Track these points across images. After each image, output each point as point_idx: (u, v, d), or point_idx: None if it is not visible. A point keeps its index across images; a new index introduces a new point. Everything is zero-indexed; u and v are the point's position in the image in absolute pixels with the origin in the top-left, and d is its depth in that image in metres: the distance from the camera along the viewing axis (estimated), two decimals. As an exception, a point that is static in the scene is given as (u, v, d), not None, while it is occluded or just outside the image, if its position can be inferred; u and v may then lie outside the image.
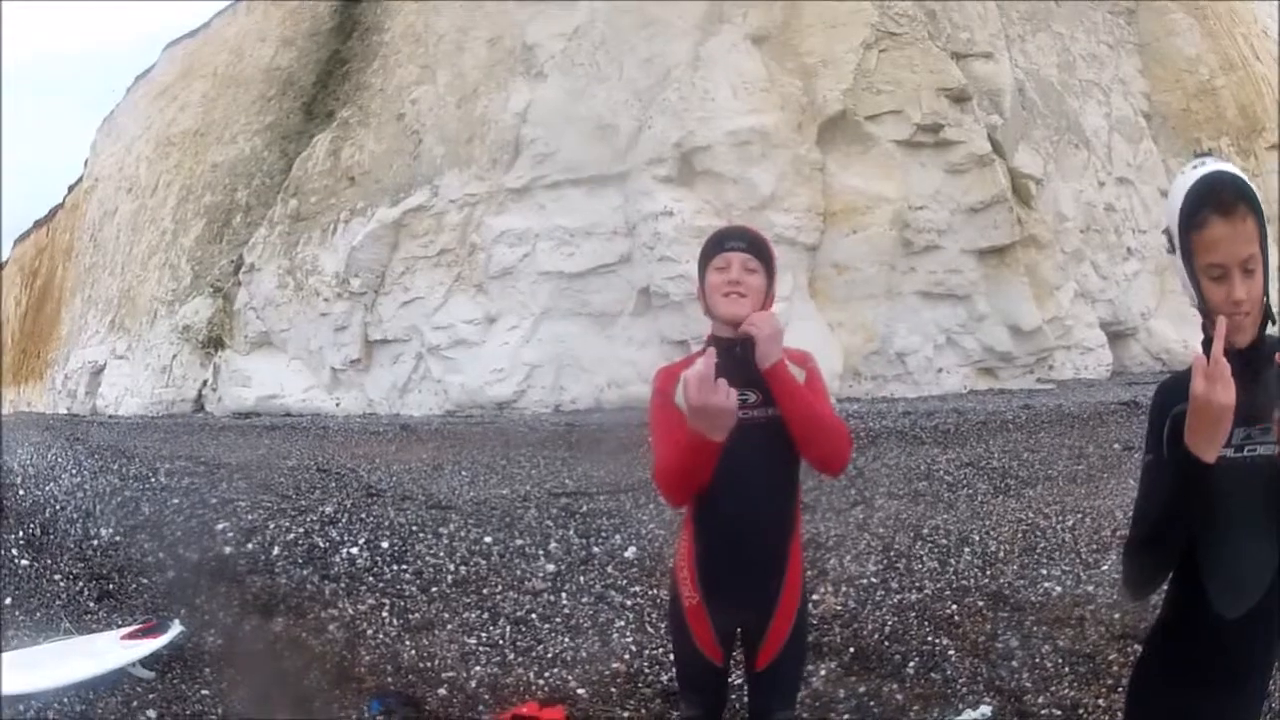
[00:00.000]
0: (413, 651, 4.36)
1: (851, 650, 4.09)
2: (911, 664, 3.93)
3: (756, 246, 2.43)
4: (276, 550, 6.17)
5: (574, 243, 17.31)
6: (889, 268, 16.48)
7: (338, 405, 19.88)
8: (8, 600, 5.26)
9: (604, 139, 17.28)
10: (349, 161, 21.67)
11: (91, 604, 5.27)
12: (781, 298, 13.94)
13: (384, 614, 4.90)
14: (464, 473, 9.66)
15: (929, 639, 4.18)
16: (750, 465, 2.27)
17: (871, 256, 16.43)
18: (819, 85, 16.89)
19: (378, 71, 23.29)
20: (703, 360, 2.08)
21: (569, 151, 17.44)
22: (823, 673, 3.87)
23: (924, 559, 5.35)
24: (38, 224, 44.01)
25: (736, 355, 2.16)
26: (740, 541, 2.36)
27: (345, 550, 6.09)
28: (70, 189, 39.28)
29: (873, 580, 5.03)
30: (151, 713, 3.81)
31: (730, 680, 2.52)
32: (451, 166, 19.69)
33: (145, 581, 5.66)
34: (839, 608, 4.61)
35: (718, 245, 2.43)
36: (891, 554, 5.47)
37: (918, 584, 4.93)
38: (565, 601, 5.00)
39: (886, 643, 4.16)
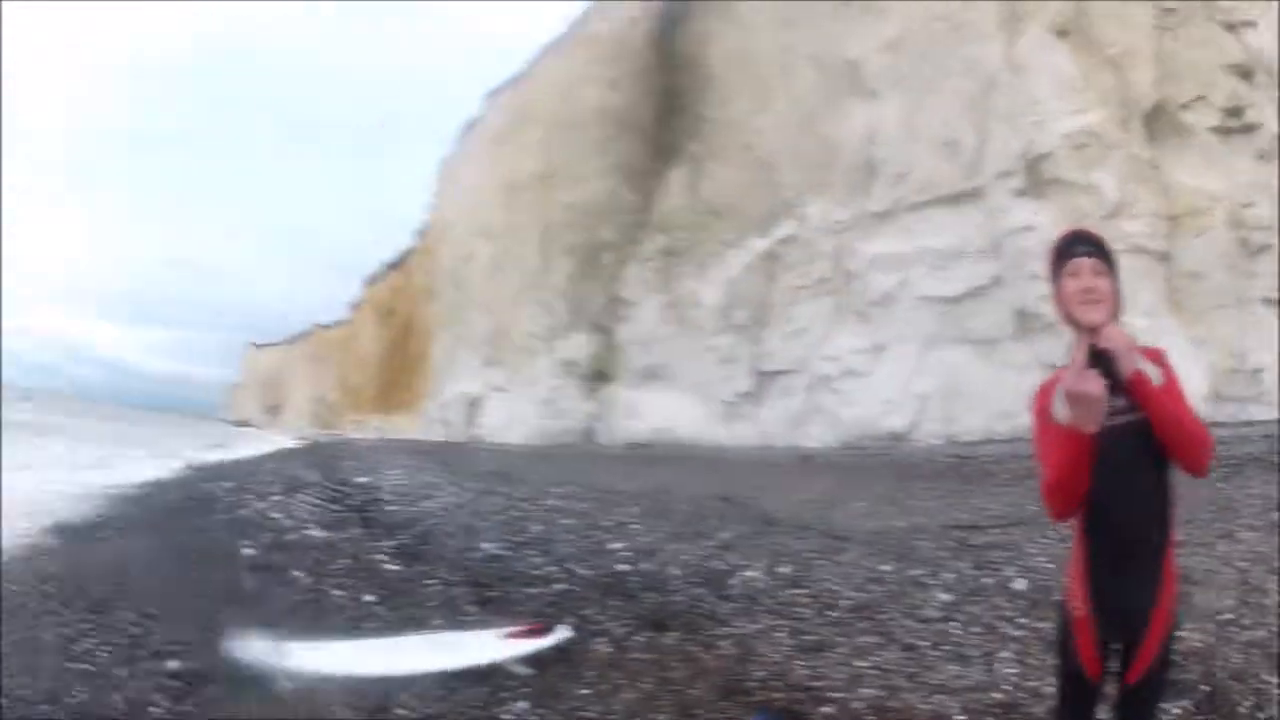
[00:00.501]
0: (804, 670, 4.47)
1: (1205, 689, 3.97)
2: (1246, 704, 3.83)
3: (1102, 250, 2.46)
4: (673, 570, 6.52)
5: (946, 265, 17.09)
6: (1235, 273, 15.18)
7: (730, 437, 20.85)
8: (370, 597, 5.74)
9: (951, 154, 17.08)
10: (709, 195, 22.66)
11: (470, 608, 5.62)
12: (1143, 312, 13.02)
13: (778, 634, 5.03)
14: (860, 504, 9.87)
15: (1264, 678, 4.04)
16: (1129, 469, 2.33)
17: (1217, 262, 15.16)
18: (1131, 78, 15.99)
19: (712, 103, 24.11)
20: (1076, 351, 2.25)
21: (921, 170, 17.34)
22: (1176, 711, 3.76)
23: (1275, 594, 5.11)
24: (390, 266, 49.89)
25: (1102, 359, 2.22)
26: (1127, 548, 2.40)
27: (743, 573, 6.34)
28: (420, 234, 44.22)
29: (1229, 615, 4.82)
30: (523, 704, 4.04)
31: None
32: (811, 193, 20.05)
33: (531, 591, 6.03)
34: (1198, 644, 4.44)
35: (1067, 252, 2.46)
36: (1246, 588, 5.27)
37: (1266, 621, 4.70)
38: (955, 630, 5.03)
39: (1232, 681, 4.04)
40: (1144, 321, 13.21)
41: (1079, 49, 16.32)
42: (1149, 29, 15.85)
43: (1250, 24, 15.79)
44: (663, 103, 25.78)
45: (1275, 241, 14.87)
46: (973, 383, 16.61)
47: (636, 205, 25.51)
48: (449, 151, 40.31)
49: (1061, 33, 16.42)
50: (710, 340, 21.53)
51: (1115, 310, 2.44)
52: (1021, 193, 16.33)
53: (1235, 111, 15.40)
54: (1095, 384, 2.13)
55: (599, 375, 24.97)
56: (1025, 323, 15.97)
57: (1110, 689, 2.63)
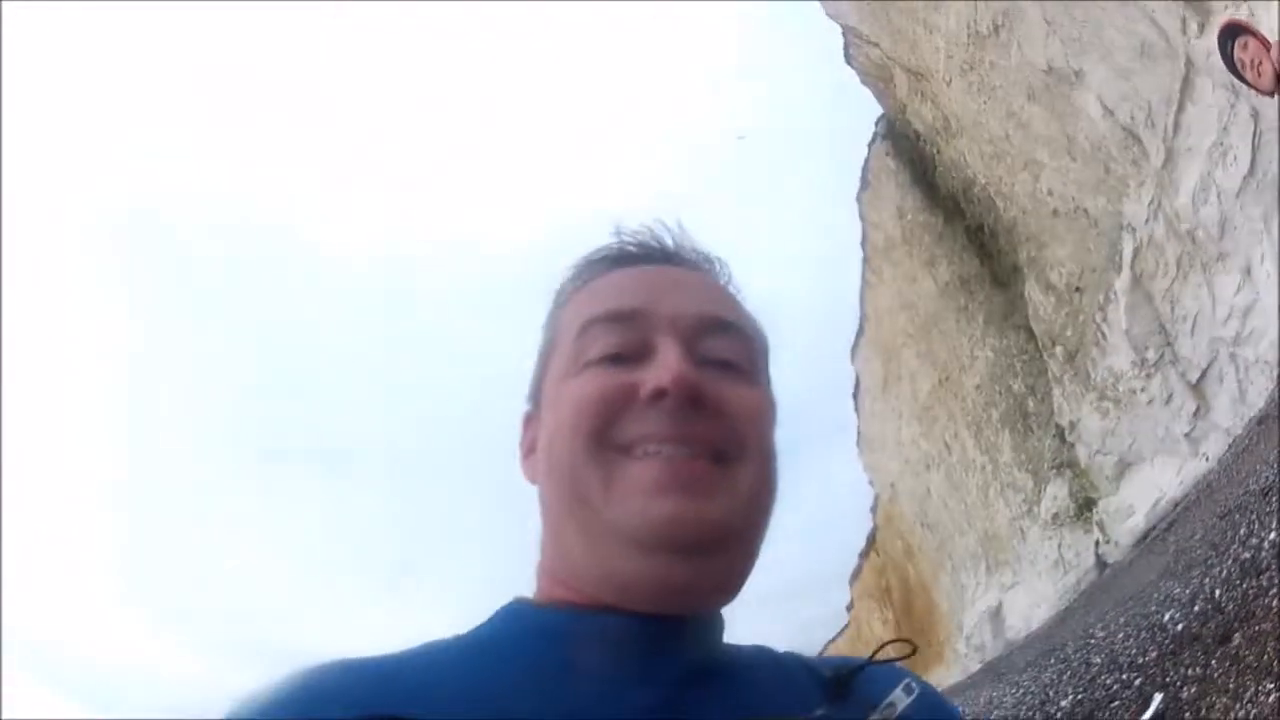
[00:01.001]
0: None
1: None
2: None
3: None
4: None
5: None
6: None
7: None
8: None
9: None
10: (1057, 280, 22.71)
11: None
12: None
13: None
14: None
15: None
16: None
17: None
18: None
19: (1005, 206, 24.97)
20: None
21: None
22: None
23: None
24: (862, 555, 51.36)
25: None
26: None
27: None
28: (873, 510, 45.87)
29: None
30: None
31: None
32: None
33: None
34: None
35: None
36: None
37: None
38: None
39: None
40: None
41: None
42: None
43: None
44: (975, 247, 27.06)
45: None
46: None
47: (1021, 340, 25.90)
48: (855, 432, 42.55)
49: None
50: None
51: None
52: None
53: None
54: None
55: (1085, 503, 23.88)
56: None
57: None
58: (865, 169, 29.55)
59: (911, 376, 33.21)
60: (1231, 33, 3.59)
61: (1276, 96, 3.25)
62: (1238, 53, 3.48)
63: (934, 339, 30.86)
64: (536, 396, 0.80)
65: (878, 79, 25.29)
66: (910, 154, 27.00)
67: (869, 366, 37.02)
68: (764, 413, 0.76)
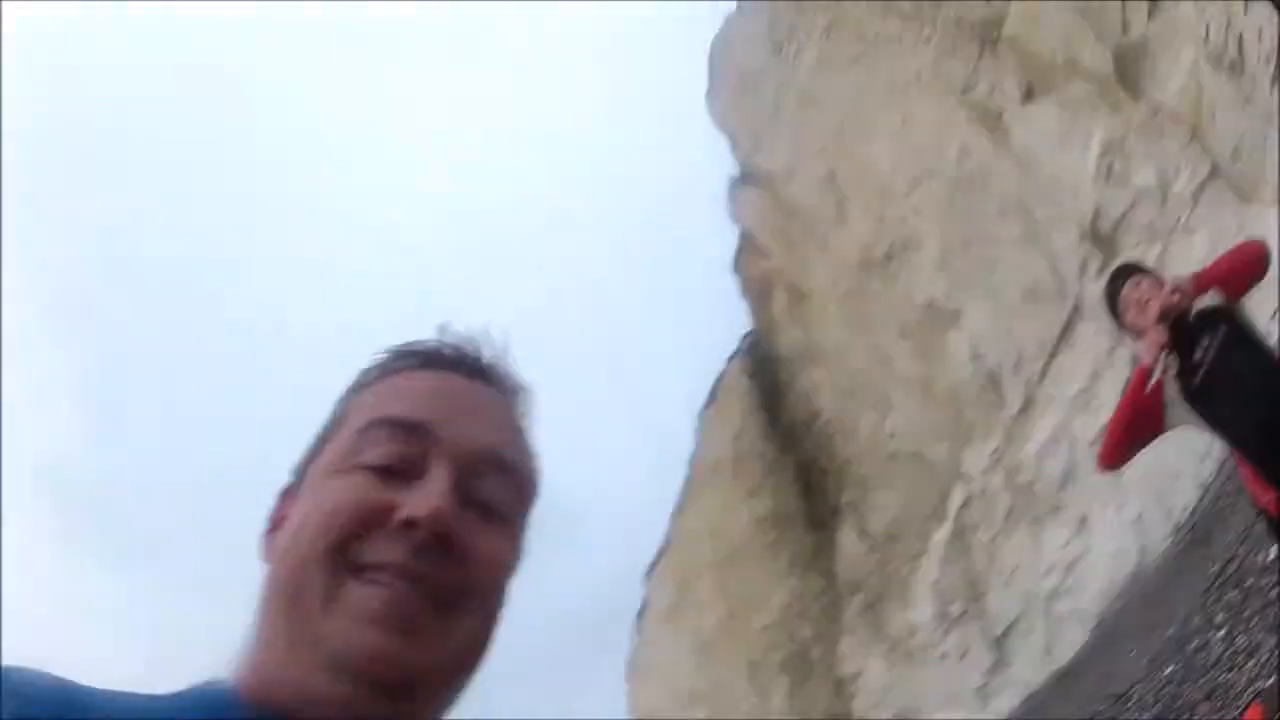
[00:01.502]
0: None
1: None
2: None
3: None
4: None
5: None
6: None
7: None
8: None
9: None
10: (877, 528, 23.43)
11: None
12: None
13: None
14: None
15: None
16: None
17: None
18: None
19: (842, 446, 25.98)
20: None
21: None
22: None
23: None
24: None
25: None
26: None
27: None
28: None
29: None
30: None
31: None
32: (963, 445, 20.74)
33: None
34: None
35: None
36: None
37: None
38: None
39: None
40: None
41: (1051, 91, 17.12)
42: None
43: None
44: (801, 482, 27.67)
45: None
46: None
47: (818, 588, 26.07)
48: (628, 655, 40.75)
49: (1028, 93, 17.26)
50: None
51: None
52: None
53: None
54: None
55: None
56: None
57: None
58: (717, 383, 30.26)
59: (700, 608, 32.39)
60: (1126, 272, 3.77)
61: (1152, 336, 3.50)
62: (1126, 290, 3.62)
63: (733, 573, 30.53)
64: (302, 474, 0.78)
65: (758, 292, 26.55)
66: (766, 376, 27.92)
67: (661, 590, 35.95)
68: (507, 567, 0.76)
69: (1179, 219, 14.34)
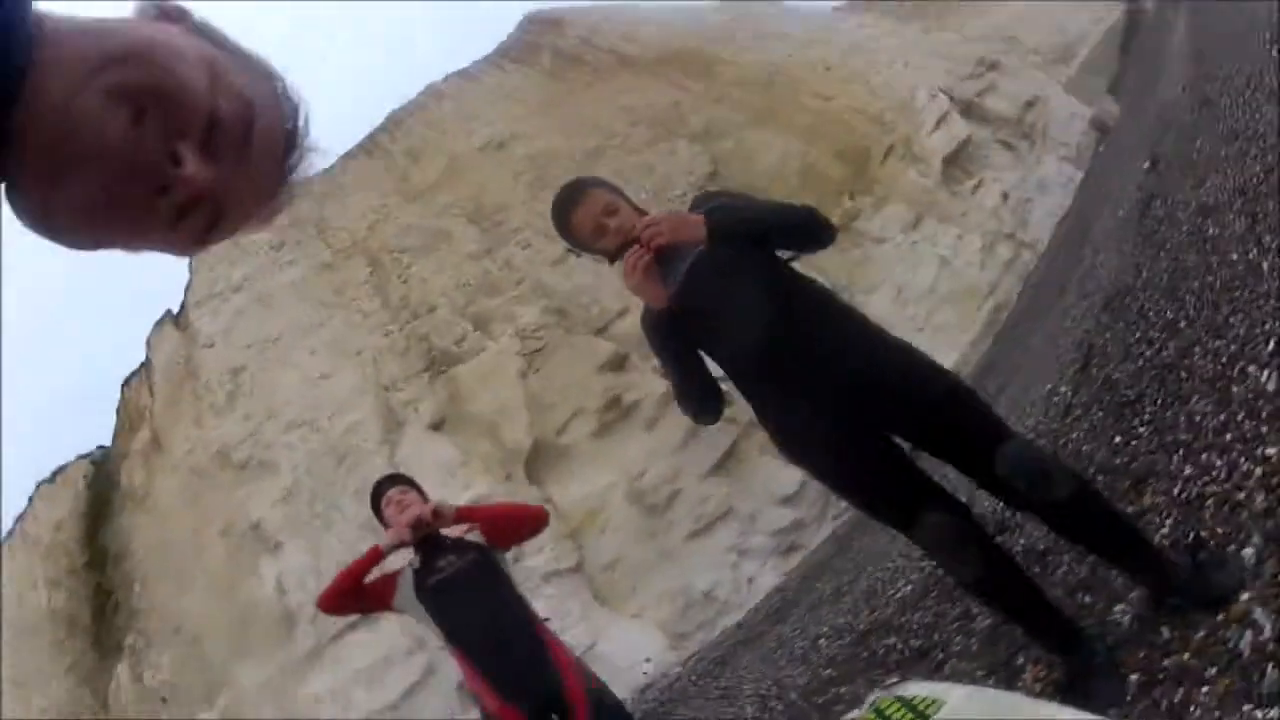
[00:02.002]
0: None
1: None
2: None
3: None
4: None
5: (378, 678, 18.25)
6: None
7: None
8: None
9: None
10: (152, 683, 23.34)
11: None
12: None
13: None
14: None
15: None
16: (476, 598, 3.60)
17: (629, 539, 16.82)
18: (505, 434, 17.75)
19: (140, 595, 25.51)
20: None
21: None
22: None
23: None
24: None
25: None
26: (500, 657, 3.56)
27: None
28: None
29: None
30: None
31: None
32: (237, 659, 21.44)
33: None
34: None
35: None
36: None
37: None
38: None
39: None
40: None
41: (456, 431, 17.77)
42: (514, 380, 17.61)
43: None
44: (98, 601, 26.51)
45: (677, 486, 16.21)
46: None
47: (95, 707, 25.01)
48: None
49: (436, 425, 17.78)
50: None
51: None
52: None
53: (612, 404, 16.93)
54: None
55: None
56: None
57: None
58: (59, 469, 28.11)
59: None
60: (394, 480, 4.12)
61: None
62: (392, 492, 3.96)
63: (24, 646, 27.67)
64: None
65: (129, 417, 25.54)
66: (101, 491, 26.71)
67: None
68: None
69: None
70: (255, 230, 0.86)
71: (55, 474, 28.51)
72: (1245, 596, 2.23)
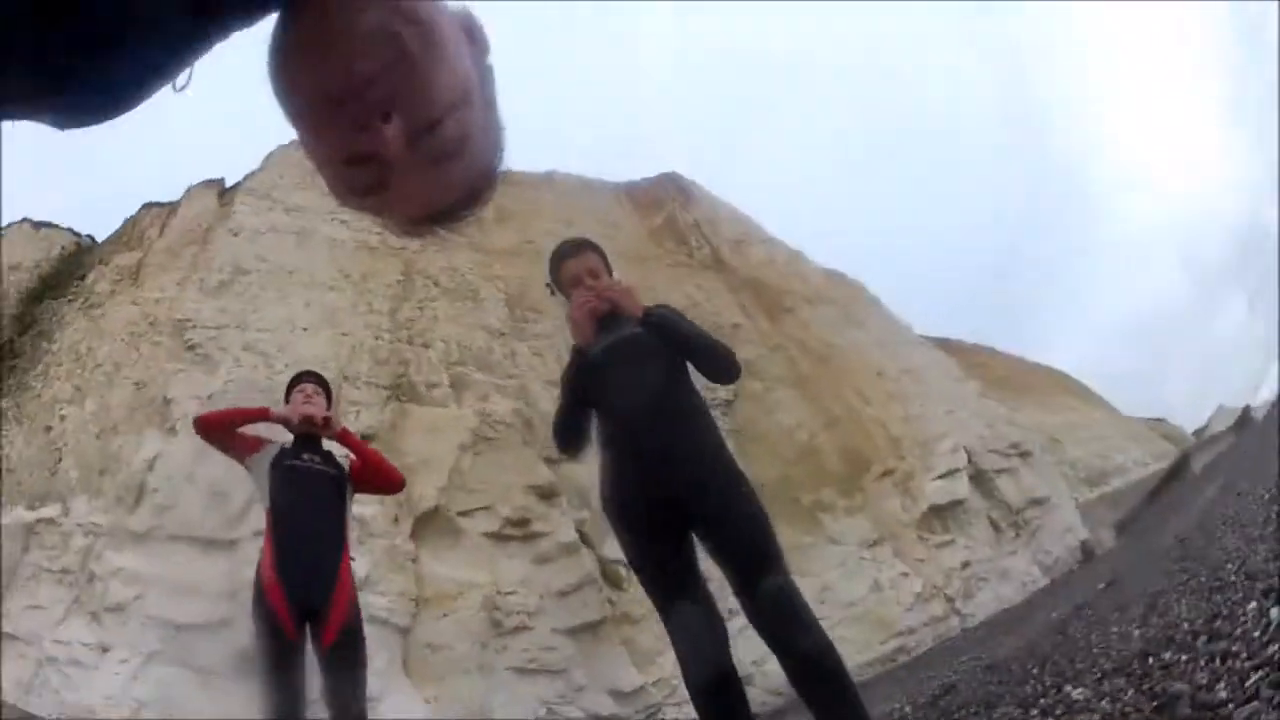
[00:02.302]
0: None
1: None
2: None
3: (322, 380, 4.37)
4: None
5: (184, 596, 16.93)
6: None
7: None
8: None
9: (218, 505, 17.80)
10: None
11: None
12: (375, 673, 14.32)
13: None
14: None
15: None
16: (308, 497, 3.99)
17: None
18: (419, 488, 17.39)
19: (39, 375, 25.41)
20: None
21: (185, 510, 18.25)
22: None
23: None
24: None
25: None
26: (304, 538, 4.03)
27: None
28: None
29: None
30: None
31: None
32: (85, 491, 21.26)
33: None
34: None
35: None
36: None
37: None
38: None
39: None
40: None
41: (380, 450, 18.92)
42: (454, 447, 17.71)
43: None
44: (4, 349, 26.29)
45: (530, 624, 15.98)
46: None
47: None
48: None
49: (366, 437, 16.14)
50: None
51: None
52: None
53: (520, 523, 17.02)
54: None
55: None
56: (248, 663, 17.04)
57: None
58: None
59: None
60: (313, 377, 4.64)
61: None
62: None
63: None
64: None
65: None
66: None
67: None
68: None
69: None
70: (400, 231, 0.93)
71: (40, 225, 28.70)
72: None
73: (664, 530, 3.04)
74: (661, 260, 18.41)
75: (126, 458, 21.63)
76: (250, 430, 4.28)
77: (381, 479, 4.38)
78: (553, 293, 3.46)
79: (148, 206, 24.78)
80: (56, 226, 28.37)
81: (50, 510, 20.79)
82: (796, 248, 21.77)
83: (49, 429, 23.38)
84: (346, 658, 3.77)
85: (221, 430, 4.22)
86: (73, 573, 20.00)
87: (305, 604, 3.72)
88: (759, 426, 19.07)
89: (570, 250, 3.46)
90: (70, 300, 26.22)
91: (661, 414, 3.12)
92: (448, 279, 18.67)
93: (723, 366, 3.28)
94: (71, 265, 27.19)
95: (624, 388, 3.14)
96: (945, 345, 24.02)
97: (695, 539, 3.10)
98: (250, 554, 19.85)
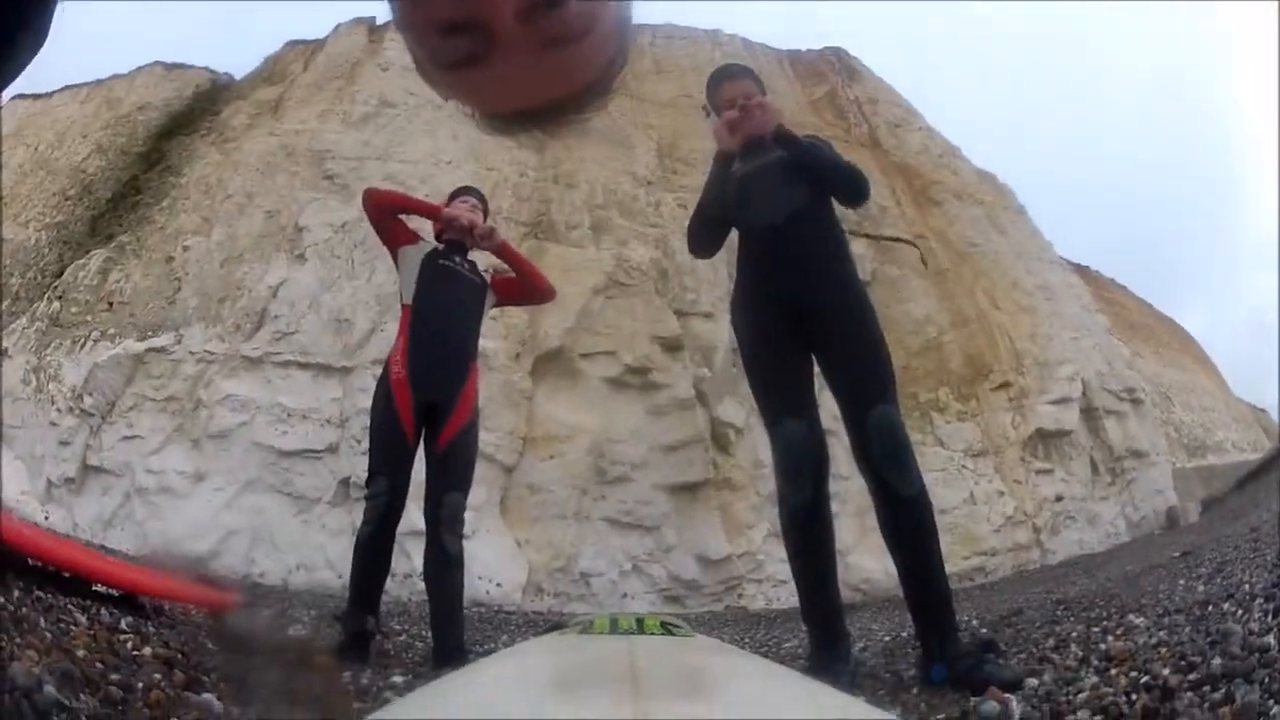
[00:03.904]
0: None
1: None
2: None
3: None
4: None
5: (289, 422, 19.49)
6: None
7: (46, 519, 19.65)
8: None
9: (339, 332, 20.02)
10: (112, 286, 23.57)
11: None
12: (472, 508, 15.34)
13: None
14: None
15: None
16: (446, 281, 3.92)
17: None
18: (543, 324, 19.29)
19: (164, 210, 25.98)
20: None
21: (306, 336, 20.32)
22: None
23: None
24: None
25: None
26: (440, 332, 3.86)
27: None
28: None
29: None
30: None
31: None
32: (200, 320, 21.98)
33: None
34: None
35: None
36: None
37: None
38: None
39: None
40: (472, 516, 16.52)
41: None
42: (586, 289, 20.10)
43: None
44: (123, 190, 26.71)
45: (632, 474, 17.57)
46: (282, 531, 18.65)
47: (53, 270, 25.23)
48: None
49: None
50: (56, 418, 21.24)
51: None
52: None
53: (640, 371, 19.27)
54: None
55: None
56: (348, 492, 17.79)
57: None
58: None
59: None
60: (473, 191, 4.50)
61: None
62: None
63: None
64: None
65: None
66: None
67: None
68: None
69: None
70: (486, 125, 0.83)
71: (173, 66, 29.08)
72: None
73: (788, 345, 3.07)
74: (819, 132, 17.73)
75: (250, 284, 21.90)
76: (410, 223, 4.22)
77: (533, 286, 4.24)
78: (708, 114, 3.44)
79: (292, 44, 24.88)
80: (190, 66, 28.83)
81: (163, 339, 21.26)
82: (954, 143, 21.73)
83: (170, 259, 23.79)
84: (459, 458, 3.66)
85: (389, 210, 4.11)
86: (179, 399, 20.36)
87: (431, 396, 3.66)
88: (890, 313, 17.37)
89: (731, 73, 3.48)
90: (203, 135, 26.44)
91: (801, 230, 3.16)
92: (599, 122, 18.46)
93: (846, 183, 3.26)
94: (205, 102, 27.50)
95: (767, 203, 3.19)
96: (1082, 272, 23.51)
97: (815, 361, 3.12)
98: (366, 382, 20.22)
